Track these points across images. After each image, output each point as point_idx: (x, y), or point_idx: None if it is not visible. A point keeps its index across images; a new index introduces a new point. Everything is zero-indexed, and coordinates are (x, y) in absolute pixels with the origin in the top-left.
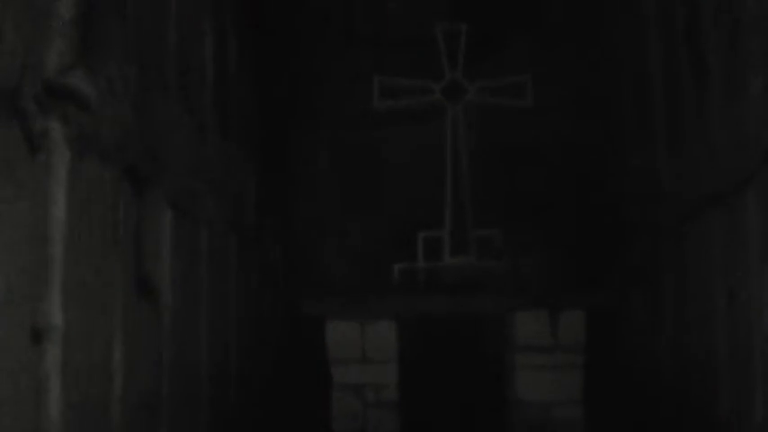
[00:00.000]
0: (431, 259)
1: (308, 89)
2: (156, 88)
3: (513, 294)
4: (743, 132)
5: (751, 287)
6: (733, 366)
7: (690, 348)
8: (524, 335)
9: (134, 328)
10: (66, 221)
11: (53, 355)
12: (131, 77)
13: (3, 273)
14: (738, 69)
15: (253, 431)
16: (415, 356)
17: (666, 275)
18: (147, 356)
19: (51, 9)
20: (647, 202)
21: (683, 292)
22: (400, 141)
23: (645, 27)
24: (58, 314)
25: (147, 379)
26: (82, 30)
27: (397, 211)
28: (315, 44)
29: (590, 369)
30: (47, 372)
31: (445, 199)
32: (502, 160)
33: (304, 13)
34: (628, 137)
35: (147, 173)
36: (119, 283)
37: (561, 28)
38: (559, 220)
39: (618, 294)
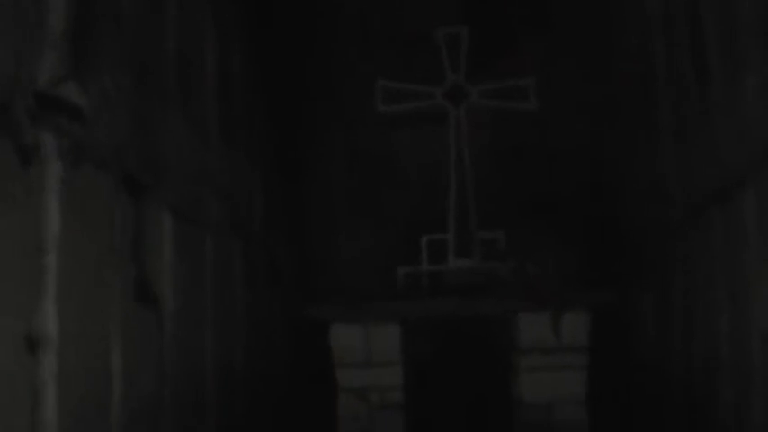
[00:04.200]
0: (436, 262)
1: (319, 91)
2: (154, 96)
3: (516, 296)
4: (743, 131)
5: (750, 288)
6: (734, 367)
7: (696, 348)
8: (527, 337)
9: (134, 335)
10: (61, 231)
11: (49, 364)
12: (128, 86)
13: None
14: (737, 69)
15: None
16: (421, 359)
17: (674, 275)
18: (148, 363)
19: (43, 21)
20: (653, 201)
21: (690, 292)
22: (411, 143)
23: (650, 29)
24: (54, 323)
25: (148, 385)
26: (74, 41)
27: (408, 213)
28: (326, 46)
29: (598, 369)
30: (43, 380)
31: (449, 202)
32: (508, 162)
33: (315, 13)
34: (634, 137)
35: (145, 180)
36: (116, 291)
37: (569, 32)
38: (566, 221)
39: (624, 295)
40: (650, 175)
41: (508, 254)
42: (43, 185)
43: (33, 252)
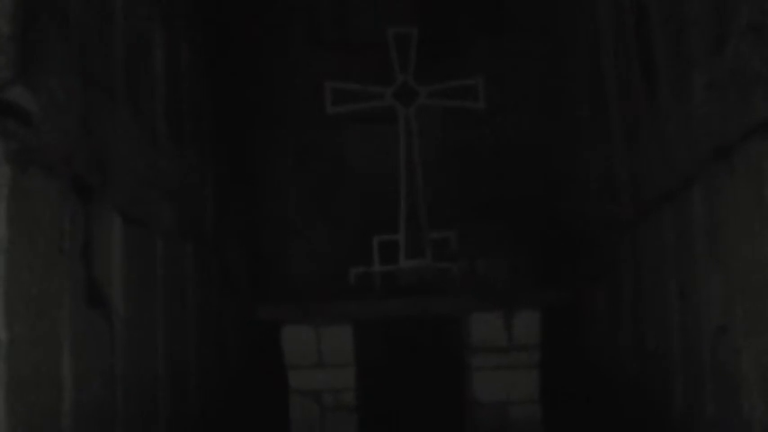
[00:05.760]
0: (388, 262)
1: (270, 93)
2: (103, 98)
3: (467, 296)
4: (691, 129)
5: (699, 284)
6: (686, 363)
7: (647, 345)
8: (479, 336)
9: (84, 340)
10: (8, 235)
11: None
12: (76, 89)
13: None
14: (684, 67)
15: None
16: (373, 359)
17: (624, 273)
18: (99, 368)
19: None
20: (604, 199)
21: (640, 290)
22: (361, 144)
23: (598, 29)
24: (2, 329)
25: (98, 390)
26: (21, 44)
27: (361, 213)
28: (277, 48)
29: (554, 367)
30: None
31: (399, 202)
32: (459, 162)
33: (267, 17)
34: (586, 136)
35: (94, 183)
36: (66, 295)
37: (519, 32)
38: (518, 220)
39: (576, 293)
40: (601, 174)
41: (459, 254)
42: None
43: None
